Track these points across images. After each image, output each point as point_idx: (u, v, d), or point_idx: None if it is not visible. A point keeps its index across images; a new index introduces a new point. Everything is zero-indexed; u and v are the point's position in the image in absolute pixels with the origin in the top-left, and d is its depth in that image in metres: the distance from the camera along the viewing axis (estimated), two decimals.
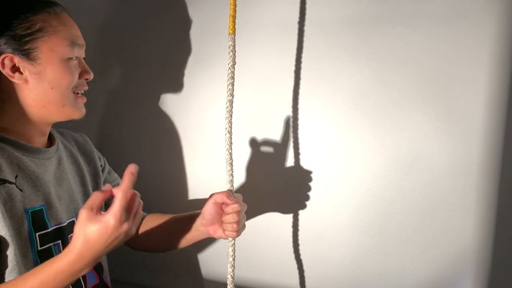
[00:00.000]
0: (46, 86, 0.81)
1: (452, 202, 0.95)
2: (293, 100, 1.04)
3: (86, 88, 0.88)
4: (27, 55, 0.79)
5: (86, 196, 0.94)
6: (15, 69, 0.79)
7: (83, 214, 0.68)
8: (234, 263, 0.89)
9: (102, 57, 1.23)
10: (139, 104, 1.22)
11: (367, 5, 0.96)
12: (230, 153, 0.87)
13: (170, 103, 1.17)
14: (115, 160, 1.08)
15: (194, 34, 1.12)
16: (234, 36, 0.85)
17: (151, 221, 1.03)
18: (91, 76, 0.87)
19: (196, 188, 1.17)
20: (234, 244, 0.88)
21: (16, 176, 0.79)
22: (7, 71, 0.79)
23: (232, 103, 0.86)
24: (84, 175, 0.95)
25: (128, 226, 0.70)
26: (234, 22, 0.84)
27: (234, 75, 0.85)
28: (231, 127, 0.86)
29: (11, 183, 0.78)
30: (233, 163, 0.87)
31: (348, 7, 0.97)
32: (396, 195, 0.99)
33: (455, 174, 0.94)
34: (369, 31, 0.96)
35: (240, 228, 0.88)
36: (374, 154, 1.00)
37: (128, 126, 1.24)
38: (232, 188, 0.88)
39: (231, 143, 0.86)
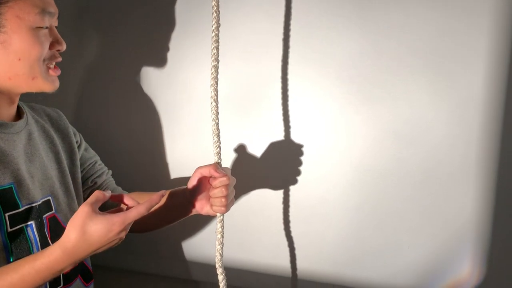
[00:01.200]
0: (12, 57, 0.73)
1: (450, 174, 0.92)
2: (283, 71, 0.99)
3: (59, 59, 0.80)
4: None
5: (61, 173, 0.87)
6: None
7: (85, 209, 0.67)
8: (222, 240, 0.83)
9: (77, 27, 1.15)
10: (119, 78, 1.15)
11: None
12: (217, 123, 0.81)
13: (152, 77, 1.11)
14: (92, 139, 1.01)
15: (180, 3, 1.06)
16: None
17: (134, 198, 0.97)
18: (63, 46, 0.79)
19: (182, 166, 1.12)
20: (222, 220, 0.83)
21: None
22: None
23: (217, 68, 0.80)
24: (58, 151, 0.88)
25: (125, 234, 0.70)
26: None
27: (218, 39, 0.79)
28: (217, 95, 0.80)
29: None
30: (220, 134, 0.81)
31: None
32: (392, 168, 0.95)
33: (453, 144, 0.91)
34: (359, 7, 0.93)
35: (229, 203, 0.82)
36: (369, 126, 0.96)
37: (107, 103, 1.17)
38: (220, 161, 0.82)
39: (217, 112, 0.80)
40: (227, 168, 0.84)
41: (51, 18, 0.77)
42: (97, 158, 1.00)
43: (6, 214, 0.73)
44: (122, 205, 0.77)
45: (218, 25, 0.78)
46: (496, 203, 0.90)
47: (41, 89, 0.78)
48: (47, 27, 0.76)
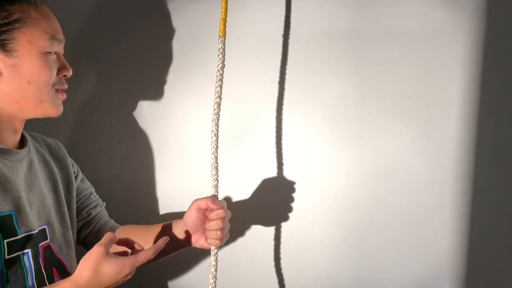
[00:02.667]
0: (23, 80, 0.76)
1: (428, 211, 0.99)
2: (277, 111, 1.05)
3: (66, 86, 0.83)
4: (2, 46, 0.74)
5: (57, 202, 0.88)
6: None
7: (100, 250, 0.70)
8: (216, 273, 0.85)
9: (73, 59, 1.16)
10: (113, 111, 1.17)
11: (347, 22, 1.00)
12: (216, 157, 0.85)
13: (145, 111, 1.14)
14: (86, 171, 1.02)
15: (176, 39, 1.11)
16: (224, 39, 0.85)
17: (125, 233, 0.97)
18: (69, 72, 0.82)
19: (173, 199, 1.13)
20: (216, 253, 0.85)
21: None
22: None
23: (219, 105, 0.85)
24: (56, 180, 0.89)
25: (131, 276, 0.74)
26: (224, 25, 0.84)
27: (222, 78, 0.85)
28: (217, 130, 0.85)
29: None
30: (218, 167, 0.85)
31: (329, 24, 1.01)
32: (374, 204, 1.01)
33: (431, 182, 0.98)
34: (349, 47, 1.00)
35: (224, 236, 0.84)
36: (353, 164, 1.02)
37: (101, 135, 1.19)
38: (217, 194, 0.85)
39: (217, 146, 0.85)
40: (223, 201, 0.86)
41: (59, 44, 0.80)
42: (92, 189, 1.01)
43: (5, 241, 0.73)
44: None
45: (223, 66, 0.84)
46: (470, 238, 0.97)
47: (46, 114, 0.80)
48: (55, 53, 0.79)
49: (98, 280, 0.69)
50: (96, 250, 0.70)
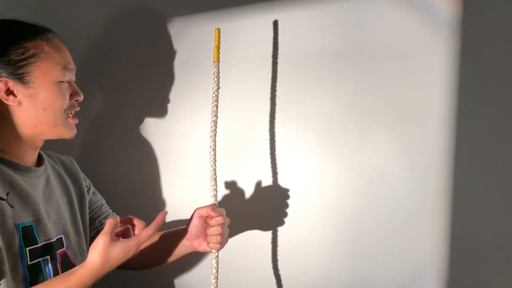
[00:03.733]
0: (39, 107, 0.85)
1: (412, 215, 1.06)
2: (270, 125, 1.13)
3: (77, 109, 0.92)
4: (21, 79, 0.83)
5: (72, 214, 0.96)
6: (9, 92, 0.83)
7: (106, 239, 0.78)
8: (217, 274, 0.93)
9: (81, 81, 1.25)
10: (120, 128, 1.26)
11: (333, 41, 1.08)
12: (214, 169, 0.93)
13: (151, 127, 1.23)
14: (96, 184, 1.11)
15: (177, 62, 1.19)
16: (218, 64, 0.94)
17: None
18: (81, 97, 0.91)
19: (177, 209, 1.21)
20: (217, 256, 0.93)
21: (8, 193, 0.81)
22: (1, 94, 0.82)
23: (216, 123, 0.93)
24: (70, 194, 0.98)
25: (137, 252, 0.82)
26: (218, 52, 0.94)
27: (218, 99, 0.94)
28: (215, 145, 0.93)
29: (2, 199, 0.80)
30: (216, 179, 0.93)
31: (317, 43, 1.08)
32: (363, 211, 1.08)
33: (413, 189, 1.05)
34: (335, 65, 1.08)
35: (223, 241, 0.93)
36: (343, 174, 1.09)
37: (109, 151, 1.28)
38: (216, 202, 0.94)
39: (215, 160, 0.93)
40: (222, 209, 0.95)
41: (70, 73, 0.89)
42: (103, 201, 1.09)
43: (27, 249, 0.82)
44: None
45: (218, 88, 0.93)
46: (451, 240, 1.04)
47: (61, 136, 0.90)
48: (67, 81, 0.88)
49: (109, 264, 0.78)
50: (102, 240, 0.78)
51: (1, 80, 0.82)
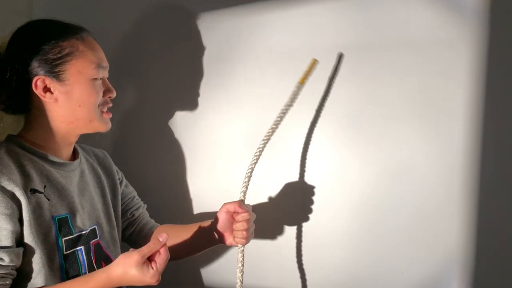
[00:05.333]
0: (74, 104, 0.89)
1: (437, 208, 1.04)
2: (294, 119, 1.12)
3: (110, 105, 0.96)
4: (57, 76, 0.87)
5: (105, 206, 1.01)
6: (46, 89, 0.88)
7: (137, 259, 0.80)
8: (243, 268, 0.96)
9: (118, 76, 1.27)
10: (153, 121, 1.31)
11: (357, 33, 1.08)
12: (253, 169, 0.97)
13: (181, 122, 1.27)
14: (129, 174, 1.16)
15: (206, 58, 1.22)
16: (302, 87, 1.02)
17: (163, 230, 1.10)
18: (114, 94, 0.95)
19: (203, 200, 1.26)
20: (243, 250, 0.96)
21: (45, 186, 0.87)
22: (39, 91, 0.87)
23: (273, 131, 0.99)
24: (103, 187, 1.03)
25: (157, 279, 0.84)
26: (306, 77, 1.02)
27: (285, 114, 1.01)
28: (263, 149, 0.98)
29: (40, 192, 0.86)
30: (251, 177, 0.96)
31: (340, 36, 1.09)
32: (387, 203, 1.08)
33: (439, 182, 1.04)
34: (360, 57, 1.08)
35: (249, 236, 0.96)
36: (367, 166, 1.09)
37: (142, 142, 1.33)
38: (244, 199, 0.96)
39: (257, 161, 0.97)
40: (249, 205, 0.98)
41: (103, 71, 0.93)
42: (135, 193, 1.14)
43: (63, 239, 0.87)
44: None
45: (291, 105, 1.01)
46: (478, 232, 1.02)
47: (96, 130, 0.94)
48: (101, 79, 0.92)
49: (125, 280, 0.81)
50: (134, 256, 0.81)
51: (39, 78, 0.86)
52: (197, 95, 1.24)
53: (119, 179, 1.10)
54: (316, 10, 1.10)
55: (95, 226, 0.96)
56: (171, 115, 1.28)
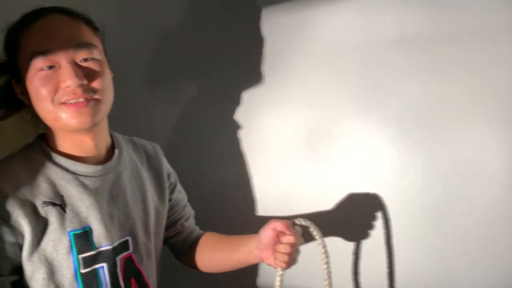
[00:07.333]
0: (34, 102, 0.76)
1: (509, 211, 0.93)
2: (352, 116, 1.05)
3: (71, 97, 0.74)
4: (16, 76, 0.77)
5: (145, 213, 0.89)
6: (19, 92, 0.78)
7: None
8: None
9: (178, 72, 1.26)
10: (212, 117, 1.24)
11: (421, 25, 0.97)
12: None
13: (241, 117, 1.19)
14: (185, 172, 1.07)
15: (267, 49, 1.14)
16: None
17: (207, 239, 1.01)
18: (68, 82, 0.73)
19: (261, 203, 1.18)
20: (282, 275, 0.85)
21: (62, 197, 0.76)
22: (19, 96, 0.78)
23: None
24: (146, 191, 0.90)
25: None
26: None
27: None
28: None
29: (55, 204, 0.75)
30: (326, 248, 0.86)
31: (403, 27, 0.98)
32: (456, 204, 0.98)
33: (508, 182, 0.93)
34: (424, 50, 0.97)
35: (290, 261, 0.84)
36: (435, 165, 0.99)
37: (200, 137, 1.26)
38: (297, 223, 0.85)
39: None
40: (298, 228, 0.85)
41: (46, 57, 0.73)
42: (186, 199, 1.03)
43: (80, 256, 0.76)
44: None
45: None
46: None
47: (69, 129, 0.77)
48: (49, 67, 0.74)
49: None
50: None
51: (11, 81, 0.79)
52: (254, 94, 1.15)
53: (171, 183, 0.98)
54: (372, 2, 1.00)
55: (128, 238, 0.84)
56: (231, 112, 1.19)
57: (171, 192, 0.99)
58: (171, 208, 0.99)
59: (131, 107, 1.27)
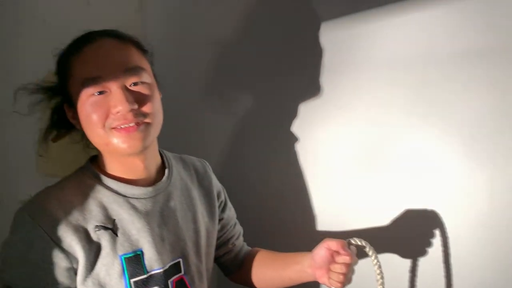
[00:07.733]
0: (85, 127, 0.77)
1: None
2: (410, 130, 1.01)
3: (122, 122, 0.74)
4: (69, 102, 0.78)
5: (195, 233, 0.88)
6: (71, 116, 0.79)
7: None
8: None
9: (228, 84, 1.26)
10: (262, 131, 1.22)
11: (480, 37, 0.92)
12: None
13: (291, 131, 1.17)
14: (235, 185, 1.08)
15: (322, 65, 1.11)
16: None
17: (258, 257, 1.00)
18: (119, 108, 0.73)
19: (313, 216, 1.15)
20: None
21: (114, 221, 0.76)
22: (70, 120, 0.79)
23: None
24: (196, 211, 0.90)
25: None
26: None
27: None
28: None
29: (107, 228, 0.75)
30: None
31: (462, 40, 0.94)
32: None
33: None
34: (484, 62, 0.92)
35: (345, 280, 0.82)
36: (496, 182, 0.92)
37: (249, 150, 1.25)
38: (353, 243, 0.83)
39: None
40: (353, 248, 0.84)
41: (97, 83, 0.73)
42: (235, 216, 1.02)
43: (132, 280, 0.75)
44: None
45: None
46: None
47: (120, 153, 0.77)
48: (100, 93, 0.74)
49: None
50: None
51: (65, 106, 0.80)
52: (311, 104, 1.13)
53: (222, 201, 0.97)
54: (433, 12, 0.96)
55: (180, 260, 0.83)
56: (282, 125, 1.18)
57: (222, 210, 0.98)
58: (222, 228, 0.98)
59: (188, 120, 1.28)
